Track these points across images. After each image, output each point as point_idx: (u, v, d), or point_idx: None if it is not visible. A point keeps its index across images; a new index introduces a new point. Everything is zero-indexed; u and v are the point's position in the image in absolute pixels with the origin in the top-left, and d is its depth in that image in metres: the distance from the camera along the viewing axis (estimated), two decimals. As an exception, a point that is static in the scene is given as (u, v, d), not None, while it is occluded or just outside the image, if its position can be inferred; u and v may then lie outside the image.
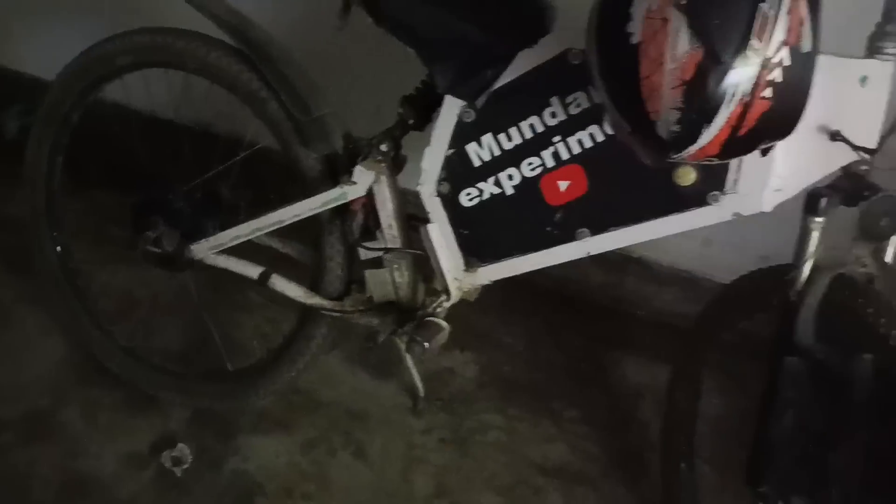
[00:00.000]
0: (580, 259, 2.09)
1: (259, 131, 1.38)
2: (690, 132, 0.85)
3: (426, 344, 1.21)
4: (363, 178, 1.25)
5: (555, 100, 1.12)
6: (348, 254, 1.35)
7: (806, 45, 0.81)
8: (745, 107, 0.82)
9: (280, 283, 1.39)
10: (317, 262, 1.37)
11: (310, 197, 1.29)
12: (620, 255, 2.04)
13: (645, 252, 2.02)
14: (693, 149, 0.87)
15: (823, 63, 0.99)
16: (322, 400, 1.67)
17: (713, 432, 1.61)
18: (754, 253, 1.55)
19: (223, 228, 1.41)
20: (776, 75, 0.81)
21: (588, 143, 1.12)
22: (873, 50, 1.03)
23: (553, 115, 1.13)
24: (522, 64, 1.12)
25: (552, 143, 1.14)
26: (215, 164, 1.44)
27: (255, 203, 1.42)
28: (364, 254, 1.33)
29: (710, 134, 0.85)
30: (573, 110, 1.11)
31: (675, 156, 0.89)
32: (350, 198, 1.27)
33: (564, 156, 1.14)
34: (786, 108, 0.84)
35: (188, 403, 1.59)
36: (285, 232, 1.40)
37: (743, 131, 0.85)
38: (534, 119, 1.14)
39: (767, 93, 0.82)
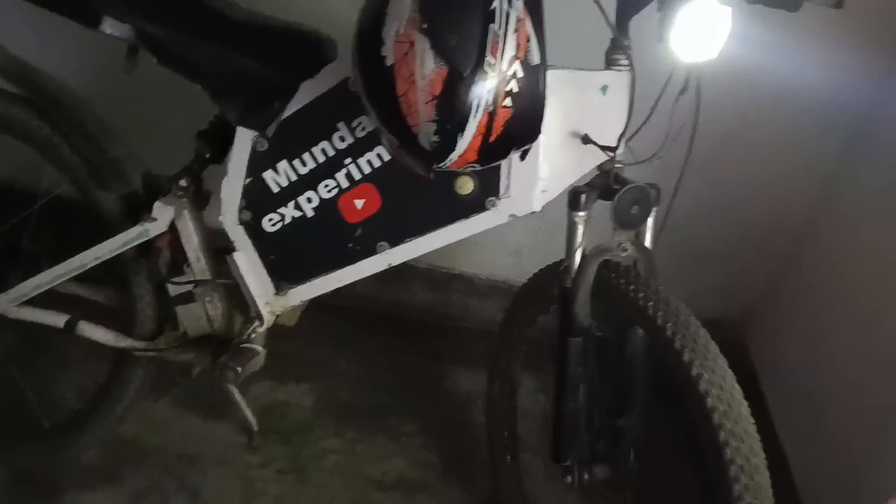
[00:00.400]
0: (408, 281, 2.20)
1: (55, 178, 1.36)
2: (448, 141, 0.95)
3: (239, 368, 1.24)
4: (163, 214, 1.27)
5: (342, 125, 1.20)
6: (158, 292, 1.35)
7: (534, 59, 0.94)
8: (491, 115, 0.94)
9: (88, 330, 1.36)
10: (126, 303, 1.36)
11: (111, 238, 1.29)
12: (445, 274, 2.16)
13: (466, 268, 2.14)
14: (454, 156, 0.97)
15: (568, 77, 1.15)
16: (150, 448, 1.63)
17: (540, 425, 1.74)
18: (559, 256, 1.70)
19: (25, 279, 1.37)
20: (513, 86, 0.93)
21: (377, 163, 1.21)
22: (610, 62, 1.19)
23: (342, 138, 1.20)
24: (307, 93, 1.19)
25: (344, 165, 1.22)
26: (13, 215, 1.40)
27: (59, 251, 1.39)
28: (174, 290, 1.34)
29: (465, 142, 0.95)
30: (360, 133, 1.19)
31: (440, 165, 0.99)
32: (152, 234, 1.28)
33: (357, 176, 1.22)
34: (526, 113, 0.96)
35: (5, 466, 1.50)
36: (94, 278, 1.38)
37: (493, 137, 0.96)
38: (325, 144, 1.21)
39: (508, 102, 0.94)
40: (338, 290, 1.91)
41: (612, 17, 1.14)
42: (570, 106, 1.17)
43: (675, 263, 2.00)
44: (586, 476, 1.32)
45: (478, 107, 0.92)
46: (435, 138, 0.95)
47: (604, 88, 1.19)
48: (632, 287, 1.18)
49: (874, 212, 1.66)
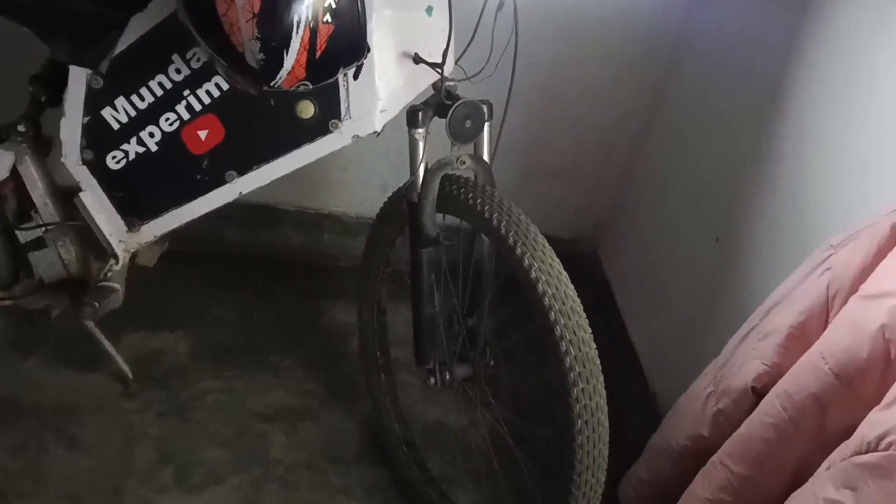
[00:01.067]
0: (278, 224, 2.22)
1: None
2: (274, 59, 0.99)
3: (96, 304, 1.25)
4: (1, 161, 1.25)
5: (176, 57, 1.21)
6: (7, 240, 1.34)
7: (350, -25, 0.99)
8: (313, 31, 0.98)
9: (-64, 285, 1.33)
10: (-26, 255, 1.34)
11: (-52, 189, 1.26)
12: (314, 215, 2.20)
13: (335, 208, 2.19)
14: (283, 73, 1.02)
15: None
16: (25, 405, 1.62)
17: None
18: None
19: None
20: (331, 2, 0.98)
21: (216, 93, 1.23)
22: (429, -15, 1.26)
23: (178, 70, 1.22)
24: (137, 27, 1.19)
25: (184, 97, 1.23)
26: None
27: None
28: (24, 236, 1.33)
29: (291, 58, 1.00)
30: (195, 64, 1.21)
31: (271, 83, 1.03)
32: (-7, 183, 1.26)
33: (197, 107, 1.24)
34: (348, 29, 1.02)
35: None
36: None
37: (319, 53, 1.01)
38: (161, 77, 1.22)
39: (328, 17, 0.99)
40: (207, 237, 1.94)
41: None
42: (399, 27, 1.23)
43: (527, 183, 2.14)
44: (448, 376, 1.43)
45: (298, 22, 0.97)
46: (261, 55, 0.99)
47: (429, 9, 1.25)
48: (471, 195, 1.27)
49: (694, 114, 1.83)
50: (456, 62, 1.33)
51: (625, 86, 2.01)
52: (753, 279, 1.46)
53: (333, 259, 2.23)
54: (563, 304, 1.15)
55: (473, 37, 1.32)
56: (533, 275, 1.17)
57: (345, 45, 1.04)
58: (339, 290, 2.12)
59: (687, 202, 1.79)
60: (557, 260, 1.20)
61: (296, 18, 0.97)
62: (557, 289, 1.15)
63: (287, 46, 0.98)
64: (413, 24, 1.24)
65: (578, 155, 2.14)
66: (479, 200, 1.26)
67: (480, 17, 1.29)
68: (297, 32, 0.98)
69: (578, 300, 1.18)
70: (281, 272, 2.15)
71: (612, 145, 2.13)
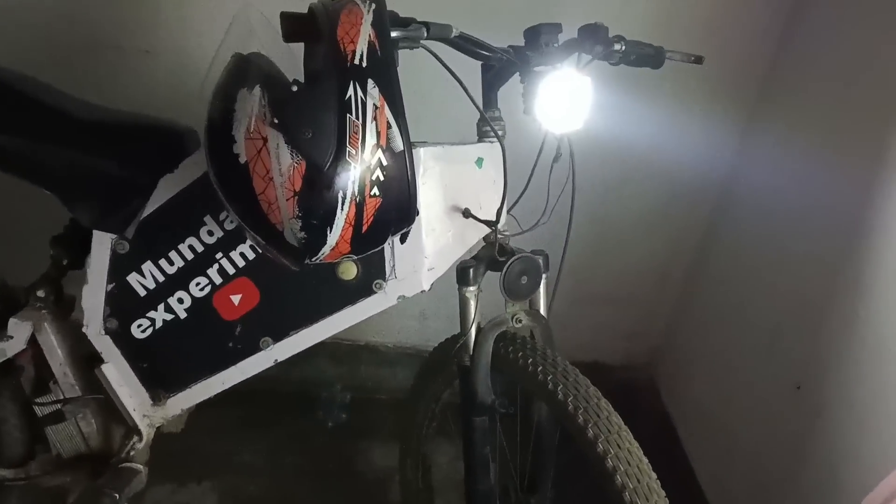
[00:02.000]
0: (314, 356, 2.11)
1: None
2: (317, 236, 0.89)
3: (117, 495, 1.13)
4: (19, 331, 1.15)
5: (208, 218, 1.12)
6: (24, 414, 1.23)
7: (397, 145, 0.90)
8: (359, 206, 0.89)
9: (-56, 465, 1.22)
10: (-12, 430, 1.23)
11: (-38, 362, 1.16)
12: (351, 346, 2.08)
13: (371, 338, 2.08)
14: (325, 250, 0.92)
15: (441, 153, 1.12)
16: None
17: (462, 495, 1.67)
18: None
19: None
20: (378, 174, 0.89)
21: (251, 255, 1.14)
22: (482, 134, 1.18)
23: (210, 233, 1.13)
24: (168, 189, 1.12)
25: (216, 260, 1.14)
26: None
27: None
28: (42, 409, 1.22)
29: (335, 235, 0.90)
30: (229, 226, 1.12)
31: (312, 259, 0.93)
32: (10, 354, 1.16)
33: (231, 271, 1.14)
34: (396, 200, 0.92)
35: None
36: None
37: (365, 228, 0.91)
38: (192, 240, 1.13)
39: (375, 191, 0.89)
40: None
41: (478, 91, 1.13)
42: (447, 181, 1.14)
43: (577, 308, 2.02)
44: (506, 557, 1.26)
45: (343, 199, 0.88)
46: (302, 234, 0.89)
47: (479, 161, 1.17)
48: (530, 360, 1.14)
49: (757, 250, 1.70)
50: (508, 211, 1.23)
51: (676, 215, 1.91)
52: (845, 438, 1.30)
53: (370, 391, 2.10)
54: (639, 481, 1.00)
55: (526, 187, 1.23)
56: (600, 447, 1.02)
57: (393, 216, 0.94)
58: (376, 427, 1.98)
59: (757, 341, 1.64)
60: (626, 428, 1.05)
61: (340, 195, 0.87)
62: (639, 481, 1.00)
63: (331, 224, 0.89)
64: (463, 176, 1.15)
65: (630, 280, 2.02)
66: (540, 368, 1.13)
67: (534, 167, 1.20)
68: (342, 209, 0.88)
69: (664, 495, 1.02)
70: (315, 409, 2.02)
71: (666, 272, 2.01)
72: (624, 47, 1.13)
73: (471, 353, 1.18)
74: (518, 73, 1.12)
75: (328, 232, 0.89)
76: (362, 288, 1.15)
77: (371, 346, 2.07)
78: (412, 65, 1.02)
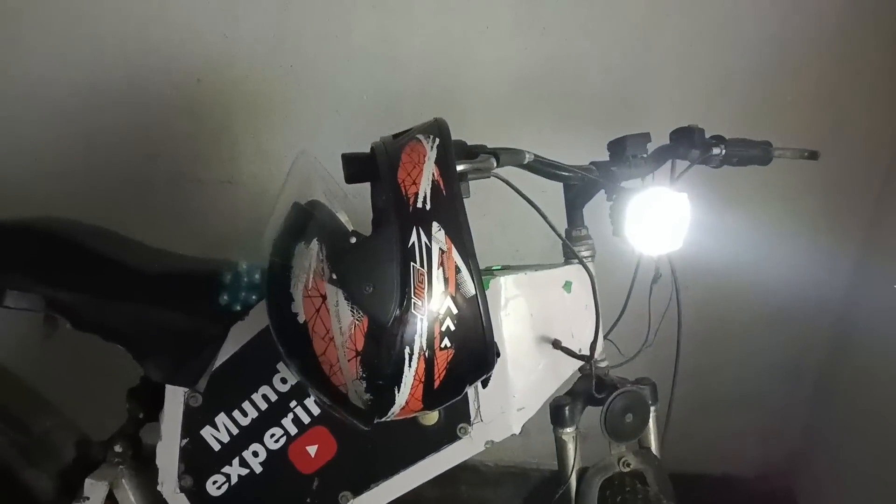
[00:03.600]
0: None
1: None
2: (384, 397, 0.80)
3: None
4: (96, 492, 1.11)
5: (281, 365, 1.06)
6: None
7: (468, 289, 0.80)
8: (429, 362, 0.79)
9: None
10: None
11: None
12: (448, 466, 1.96)
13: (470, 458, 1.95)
14: (395, 409, 0.82)
15: (525, 280, 1.02)
16: None
17: None
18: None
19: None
20: (448, 324, 0.79)
21: (325, 403, 1.06)
22: (568, 256, 1.07)
23: (283, 380, 1.06)
24: (239, 337, 1.06)
25: (290, 409, 1.07)
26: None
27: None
28: (120, 572, 1.16)
29: (405, 394, 0.80)
30: (297, 377, 1.05)
31: (381, 420, 0.84)
32: (87, 515, 1.12)
33: (306, 419, 1.07)
34: (471, 349, 0.82)
35: None
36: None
37: (438, 382, 0.81)
38: (265, 388, 1.07)
39: (446, 342, 0.79)
40: None
41: (560, 212, 1.04)
42: (533, 310, 1.03)
43: (700, 416, 1.82)
44: None
45: (410, 355, 0.78)
46: (368, 396, 0.80)
47: (567, 285, 1.05)
48: (639, 510, 0.99)
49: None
50: (605, 337, 1.10)
51: (799, 311, 1.71)
52: None
53: (473, 514, 1.95)
54: None
55: (623, 311, 1.10)
56: None
57: (468, 367, 0.84)
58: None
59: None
60: None
61: (406, 351, 0.78)
62: None
63: (399, 383, 0.79)
64: (550, 303, 1.04)
65: (756, 380, 1.82)
66: (655, 518, 0.98)
67: (630, 289, 1.08)
68: (410, 366, 0.78)
69: None
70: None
71: (798, 368, 1.79)
72: (724, 150, 1.01)
73: (573, 500, 1.04)
74: (604, 190, 1.01)
75: (396, 391, 0.80)
76: (445, 434, 1.05)
77: (470, 465, 1.94)
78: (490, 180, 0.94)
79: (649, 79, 1.57)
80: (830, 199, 1.62)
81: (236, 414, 1.08)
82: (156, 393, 1.13)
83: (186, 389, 1.08)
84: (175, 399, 1.09)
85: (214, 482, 1.10)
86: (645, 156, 1.00)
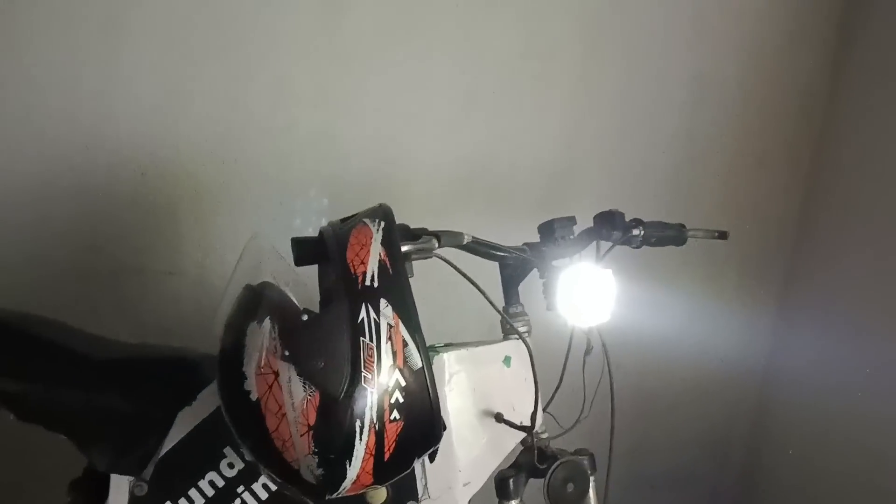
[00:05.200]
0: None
1: None
2: (335, 471, 0.83)
3: None
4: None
5: (228, 450, 1.06)
6: None
7: (416, 362, 0.85)
8: (379, 434, 0.83)
9: None
10: None
11: None
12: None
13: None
14: (346, 484, 0.84)
15: (466, 356, 1.07)
16: None
17: None
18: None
19: None
20: (397, 396, 0.83)
21: (273, 486, 1.06)
22: (506, 332, 1.13)
23: (231, 465, 1.06)
24: (185, 422, 1.06)
25: (237, 495, 1.06)
26: None
27: None
28: None
29: (356, 468, 0.83)
30: (249, 456, 1.06)
31: (333, 495, 0.86)
32: None
33: (253, 504, 1.07)
34: (419, 420, 0.86)
35: None
36: None
37: (388, 455, 0.84)
38: (212, 474, 1.06)
39: (395, 414, 0.83)
40: None
41: (497, 291, 1.10)
42: (476, 385, 1.08)
43: (635, 493, 1.86)
44: None
45: (361, 427, 0.82)
46: (319, 471, 0.83)
47: (507, 360, 1.11)
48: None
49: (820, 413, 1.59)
50: (545, 409, 1.15)
51: (722, 388, 1.82)
52: None
53: None
54: None
55: (560, 384, 1.16)
56: None
57: (417, 438, 0.88)
58: None
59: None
60: None
61: (358, 424, 0.81)
62: None
63: (350, 456, 0.82)
64: (491, 378, 1.10)
65: (686, 460, 1.88)
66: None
67: (565, 362, 1.14)
68: (361, 438, 0.82)
69: None
70: None
71: (724, 447, 1.88)
72: (643, 231, 1.11)
73: (520, 578, 1.06)
74: (536, 268, 1.09)
75: (348, 465, 0.83)
76: (394, 512, 1.06)
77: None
78: (433, 263, 1.00)
79: (575, 168, 1.70)
80: (745, 273, 1.76)
81: (182, 502, 1.07)
82: (99, 484, 1.12)
83: (132, 478, 1.06)
84: (120, 489, 1.07)
85: (161, 574, 1.07)
86: (572, 237, 1.08)
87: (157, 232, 1.61)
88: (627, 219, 1.13)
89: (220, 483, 1.07)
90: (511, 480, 1.07)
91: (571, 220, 1.09)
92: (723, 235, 1.15)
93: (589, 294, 0.97)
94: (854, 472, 1.45)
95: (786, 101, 1.69)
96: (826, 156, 1.66)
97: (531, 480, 1.10)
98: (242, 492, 1.07)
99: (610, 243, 1.09)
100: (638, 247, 1.13)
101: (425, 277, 1.11)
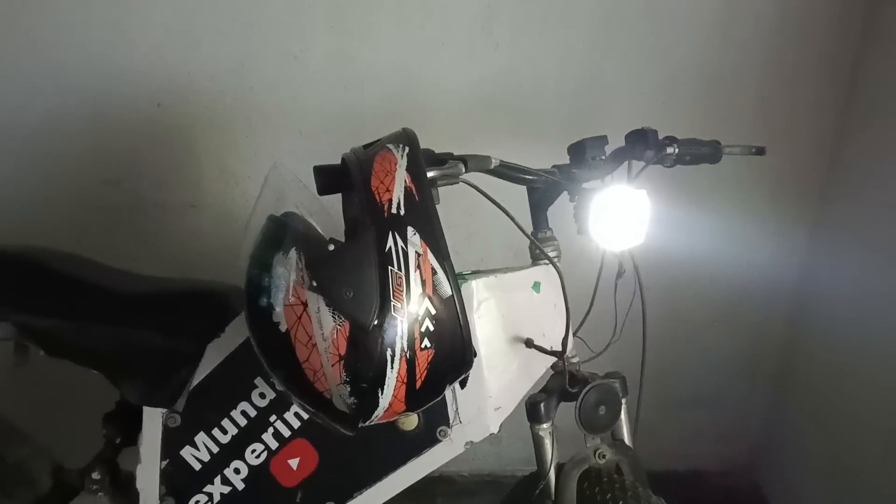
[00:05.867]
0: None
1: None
2: (368, 400, 0.82)
3: None
4: (76, 521, 1.10)
5: (259, 380, 1.07)
6: None
7: (445, 290, 0.83)
8: (410, 362, 0.81)
9: None
10: None
11: (18, 559, 1.11)
12: (423, 480, 1.96)
13: (445, 468, 1.95)
14: (379, 412, 0.84)
15: (495, 283, 1.05)
16: None
17: None
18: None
19: None
20: (427, 325, 0.82)
21: (306, 414, 1.07)
22: (535, 258, 1.10)
23: (262, 395, 1.07)
24: (216, 354, 1.07)
25: (270, 424, 1.08)
26: None
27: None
28: None
29: (388, 396, 0.82)
30: (281, 387, 1.06)
31: (366, 423, 0.85)
32: (66, 546, 1.10)
33: (286, 433, 1.08)
34: (450, 348, 0.84)
35: None
36: None
37: (419, 383, 0.83)
38: (244, 405, 1.07)
39: (426, 342, 0.82)
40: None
41: (525, 216, 1.07)
42: (505, 311, 1.06)
43: (664, 415, 1.87)
44: None
45: (393, 356, 0.80)
46: (352, 399, 0.82)
47: (536, 285, 1.09)
48: (620, 502, 1.02)
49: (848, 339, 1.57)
50: (575, 334, 1.14)
51: (754, 311, 1.80)
52: None
53: (451, 527, 1.96)
54: None
55: (591, 308, 1.14)
56: None
57: (448, 366, 0.86)
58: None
59: (873, 442, 1.46)
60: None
61: (388, 353, 0.80)
62: None
63: (382, 385, 0.81)
64: (521, 304, 1.07)
65: (716, 379, 1.87)
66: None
67: (596, 286, 1.12)
68: (392, 367, 0.81)
69: None
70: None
71: (754, 369, 1.87)
72: (677, 149, 1.06)
73: (552, 498, 1.07)
74: (567, 191, 1.05)
75: (380, 394, 0.82)
76: (426, 438, 1.07)
77: (445, 476, 1.96)
78: (458, 189, 0.97)
79: (603, 85, 1.63)
80: (780, 191, 1.70)
81: (216, 432, 1.08)
82: (133, 416, 1.13)
83: (164, 410, 1.08)
84: (153, 421, 1.08)
85: (197, 502, 1.10)
86: (603, 157, 1.04)
87: (175, 165, 1.59)
88: (660, 136, 1.08)
89: (253, 413, 1.08)
90: (542, 404, 1.06)
91: (603, 140, 1.04)
92: (760, 151, 1.10)
93: (623, 216, 0.94)
94: (886, 391, 1.44)
95: (823, 10, 1.59)
96: (864, 70, 1.57)
97: (562, 404, 1.10)
98: (275, 421, 1.08)
99: (643, 163, 1.05)
100: (671, 165, 1.09)
101: (449, 204, 1.09)
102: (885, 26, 1.51)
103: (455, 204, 1.05)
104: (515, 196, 1.07)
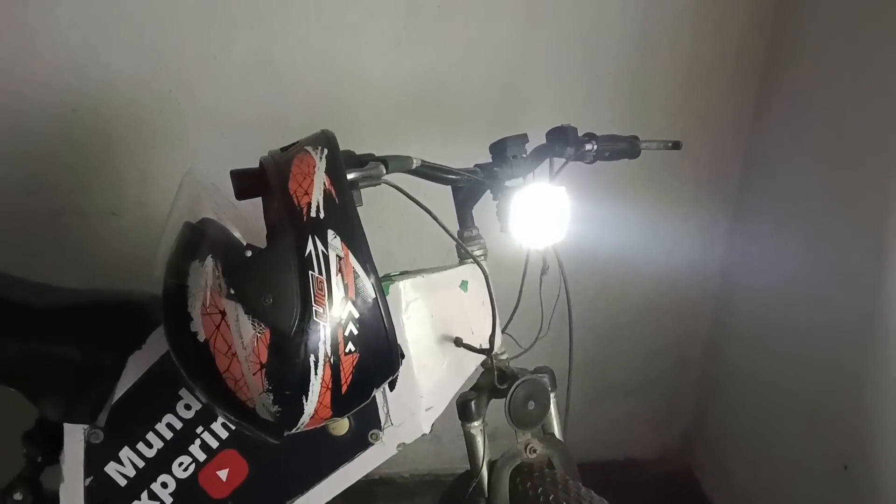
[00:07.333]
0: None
1: None
2: (292, 407, 0.81)
3: None
4: (-6, 546, 1.05)
5: (184, 392, 1.04)
6: None
7: (368, 293, 0.82)
8: (335, 367, 0.81)
9: None
10: None
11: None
12: (363, 482, 1.95)
13: (385, 469, 1.95)
14: (305, 419, 0.83)
15: (422, 283, 1.05)
16: None
17: None
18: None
19: None
20: (351, 328, 0.81)
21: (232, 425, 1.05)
22: (461, 257, 1.11)
23: (188, 407, 1.05)
24: (137, 367, 1.04)
25: (197, 435, 1.05)
26: None
27: None
28: None
29: (313, 402, 0.81)
30: (203, 398, 1.04)
31: (291, 431, 0.84)
32: (-17, 572, 1.06)
33: (214, 444, 1.05)
34: (375, 351, 0.84)
35: None
36: None
37: (345, 388, 0.83)
38: (169, 417, 1.05)
39: (350, 347, 0.81)
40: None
41: (451, 215, 1.08)
42: (434, 311, 1.06)
43: (597, 405, 1.91)
44: None
45: (316, 362, 0.80)
46: (276, 408, 0.81)
47: (464, 284, 1.09)
48: (551, 497, 1.03)
49: (770, 319, 1.63)
50: (503, 331, 1.15)
51: (679, 297, 1.85)
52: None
53: (394, 529, 1.96)
54: None
55: (518, 305, 1.15)
56: None
57: (375, 367, 0.86)
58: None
59: (796, 421, 1.52)
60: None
61: (312, 359, 0.79)
62: None
63: (306, 392, 0.80)
64: (449, 303, 1.08)
65: (646, 368, 1.92)
66: (558, 499, 1.02)
67: (522, 283, 1.13)
68: (317, 373, 0.80)
69: None
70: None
71: (683, 355, 1.92)
72: (596, 146, 1.08)
73: (486, 495, 1.08)
74: (489, 190, 1.06)
75: (304, 400, 0.81)
76: (357, 442, 1.06)
77: (385, 478, 1.95)
78: (387, 189, 0.96)
79: (526, 83, 1.65)
80: (699, 184, 1.75)
81: (141, 446, 1.05)
82: (53, 434, 1.09)
83: (86, 426, 1.04)
84: (74, 437, 1.05)
85: (123, 519, 1.07)
86: (524, 155, 1.06)
87: (94, 171, 1.53)
88: (581, 133, 1.10)
89: (178, 425, 1.05)
90: (472, 402, 1.07)
91: (523, 138, 1.06)
92: (676, 145, 1.13)
93: (543, 214, 0.95)
94: (806, 366, 1.50)
95: (737, 4, 1.64)
96: (778, 59, 1.63)
97: (493, 401, 1.11)
98: (202, 432, 1.05)
99: (563, 160, 1.07)
100: (592, 162, 1.11)
101: (379, 204, 1.08)
102: (797, 18, 1.57)
103: (386, 204, 1.05)
104: (442, 195, 1.07)
